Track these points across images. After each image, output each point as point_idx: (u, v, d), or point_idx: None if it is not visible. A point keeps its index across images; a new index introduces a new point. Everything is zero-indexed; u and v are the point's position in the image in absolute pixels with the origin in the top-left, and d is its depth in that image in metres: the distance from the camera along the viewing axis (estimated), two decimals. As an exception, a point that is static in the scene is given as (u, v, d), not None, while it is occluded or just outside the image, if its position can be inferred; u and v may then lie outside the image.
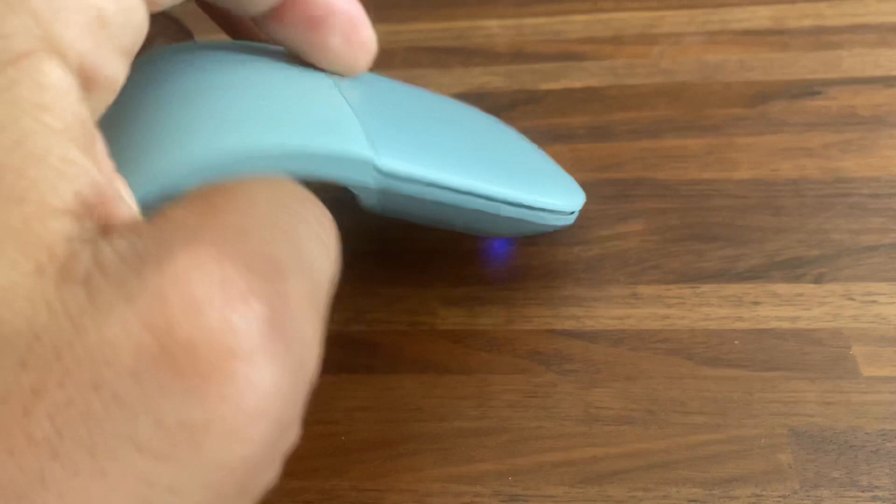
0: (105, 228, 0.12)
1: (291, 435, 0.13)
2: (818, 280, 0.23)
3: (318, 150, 0.19)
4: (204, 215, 0.13)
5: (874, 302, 0.22)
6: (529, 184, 0.23)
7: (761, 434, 0.20)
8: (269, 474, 0.13)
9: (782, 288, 0.23)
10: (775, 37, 0.31)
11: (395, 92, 0.24)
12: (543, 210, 0.22)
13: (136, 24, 0.15)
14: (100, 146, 0.14)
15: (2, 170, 0.12)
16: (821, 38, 0.31)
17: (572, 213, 0.23)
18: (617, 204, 0.26)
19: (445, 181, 0.21)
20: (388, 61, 0.33)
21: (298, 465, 0.21)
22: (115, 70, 0.14)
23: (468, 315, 0.23)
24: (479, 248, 0.25)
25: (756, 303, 0.23)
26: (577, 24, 0.33)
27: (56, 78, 0.13)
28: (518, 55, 0.32)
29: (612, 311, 0.23)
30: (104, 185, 0.13)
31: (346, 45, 0.19)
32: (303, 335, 0.13)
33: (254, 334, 0.11)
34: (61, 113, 0.13)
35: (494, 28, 0.33)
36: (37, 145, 0.12)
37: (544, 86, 0.30)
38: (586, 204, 0.26)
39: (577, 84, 0.30)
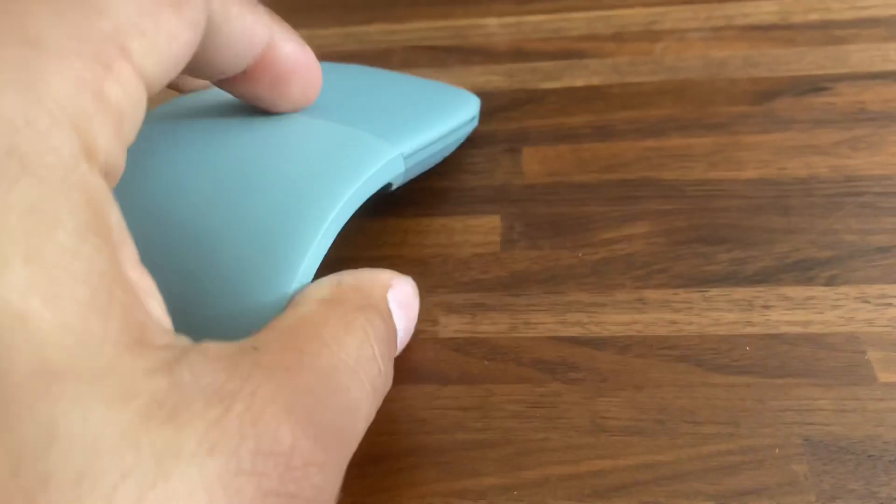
0: (170, 350, 0.13)
1: None
2: (830, 282, 0.22)
3: (367, 173, 0.20)
4: (288, 370, 0.14)
5: (889, 305, 0.22)
6: (455, 103, 0.26)
7: (775, 444, 0.19)
8: None
9: (793, 291, 0.22)
10: (781, 32, 0.30)
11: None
12: (472, 119, 0.27)
13: (139, 114, 0.15)
14: (130, 248, 0.14)
15: (87, 308, 0.12)
16: (827, 32, 0.30)
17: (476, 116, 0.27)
18: (622, 205, 0.25)
19: (434, 136, 0.24)
20: (385, 61, 0.32)
21: (296, 480, 0.20)
22: (124, 161, 0.15)
23: (470, 322, 0.23)
24: (481, 252, 0.24)
25: (766, 307, 0.22)
26: (577, 22, 0.32)
27: (100, 189, 0.13)
28: (518, 54, 0.31)
29: (618, 316, 0.22)
30: (137, 305, 0.13)
31: (303, 91, 0.21)
32: (335, 491, 0.14)
33: (304, 500, 0.13)
34: (107, 228, 0.13)
35: (494, 26, 0.33)
36: (103, 276, 0.12)
37: (545, 85, 0.30)
38: (591, 205, 0.25)
39: (579, 83, 0.30)
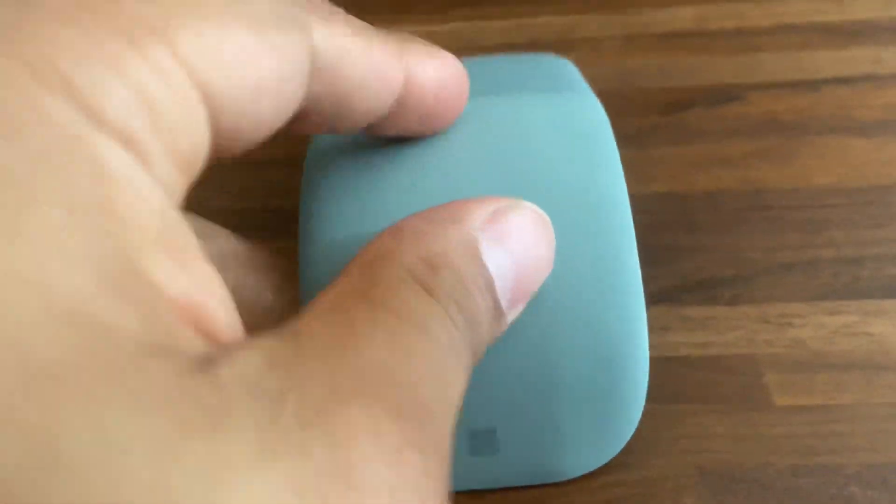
0: (215, 344, 0.11)
1: None
2: (732, 302, 0.22)
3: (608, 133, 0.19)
4: (343, 346, 0.11)
5: (789, 324, 0.21)
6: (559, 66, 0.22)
7: (668, 475, 0.19)
8: None
9: (695, 311, 0.22)
10: (696, 39, 0.30)
11: None
12: None
13: (192, 128, 0.12)
14: (189, 241, 0.11)
15: (93, 307, 0.09)
16: (743, 40, 0.30)
17: None
18: (526, 223, 0.24)
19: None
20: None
21: None
22: (167, 174, 0.11)
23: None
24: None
25: (666, 328, 0.21)
26: (492, 30, 0.31)
27: (119, 163, 0.10)
28: (432, 64, 0.30)
29: (515, 341, 0.22)
30: (197, 296, 0.11)
31: (455, 110, 0.18)
32: (445, 473, 0.12)
33: (409, 489, 0.10)
34: (136, 211, 0.10)
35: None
36: (122, 266, 0.10)
37: (457, 96, 0.29)
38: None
39: (491, 94, 0.29)
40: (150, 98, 0.11)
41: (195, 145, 0.12)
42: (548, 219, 0.16)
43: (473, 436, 0.18)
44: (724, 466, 0.19)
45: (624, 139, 0.26)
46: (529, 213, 0.16)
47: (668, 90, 0.28)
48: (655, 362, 0.21)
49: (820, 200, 0.24)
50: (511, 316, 0.15)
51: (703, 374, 0.20)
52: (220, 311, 0.11)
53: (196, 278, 0.11)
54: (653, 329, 0.21)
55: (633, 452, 0.19)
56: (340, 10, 0.15)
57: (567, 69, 0.22)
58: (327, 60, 0.14)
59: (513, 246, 0.15)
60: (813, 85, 0.28)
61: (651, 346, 0.21)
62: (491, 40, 0.31)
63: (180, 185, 0.12)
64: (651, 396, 0.20)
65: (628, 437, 0.18)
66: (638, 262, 0.17)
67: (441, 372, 0.12)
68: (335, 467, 0.10)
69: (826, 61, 0.28)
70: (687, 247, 0.23)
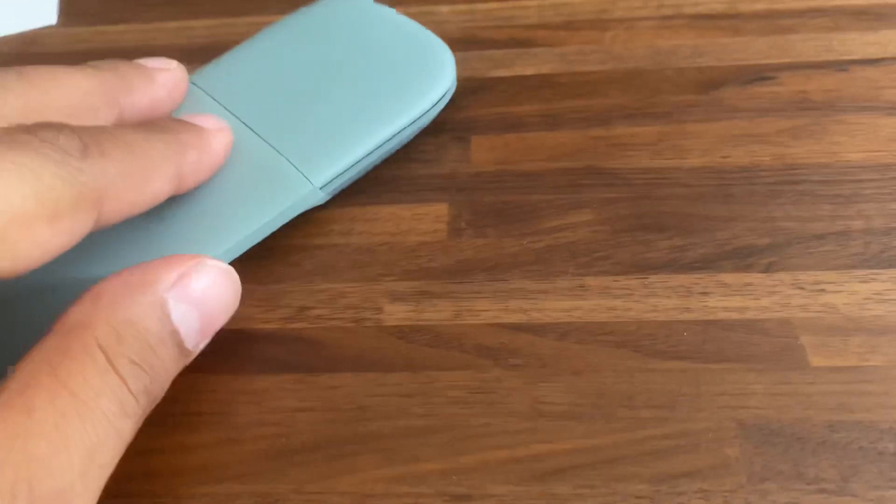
0: None
1: None
2: (767, 269, 0.23)
3: (273, 212, 0.23)
4: (16, 435, 0.14)
5: (822, 291, 0.22)
6: (418, 89, 0.26)
7: (709, 428, 0.20)
8: None
9: (731, 278, 0.23)
10: (728, 21, 0.31)
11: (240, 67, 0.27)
12: (442, 96, 0.26)
13: None
14: None
15: None
16: (773, 21, 0.30)
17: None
18: (567, 194, 0.25)
19: (362, 153, 0.25)
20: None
21: (238, 468, 0.20)
22: None
23: (414, 310, 0.23)
24: (428, 240, 0.25)
25: (705, 293, 0.22)
26: (529, 10, 0.32)
27: None
28: (469, 41, 0.31)
29: (559, 303, 0.23)
30: None
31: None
32: None
33: None
34: None
35: (445, 13, 0.33)
36: None
37: (495, 73, 0.30)
38: (537, 194, 0.25)
39: (529, 71, 0.30)
40: None
41: None
42: (231, 270, 0.20)
43: None
44: (763, 420, 0.20)
45: (660, 115, 0.27)
46: (213, 270, 0.19)
47: (703, 69, 0.29)
48: (695, 325, 0.22)
49: (850, 175, 0.25)
50: (198, 350, 0.19)
51: (741, 336, 0.21)
52: None
53: None
54: (692, 294, 0.22)
55: (675, 408, 0.20)
56: (114, 133, 0.19)
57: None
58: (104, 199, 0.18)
59: (198, 299, 0.19)
60: (841, 65, 0.28)
61: (690, 310, 0.22)
62: (528, 20, 0.32)
63: None
64: (691, 356, 0.21)
65: None
66: None
67: (95, 452, 0.15)
68: None
69: (855, 43, 0.29)
70: (723, 217, 0.24)
